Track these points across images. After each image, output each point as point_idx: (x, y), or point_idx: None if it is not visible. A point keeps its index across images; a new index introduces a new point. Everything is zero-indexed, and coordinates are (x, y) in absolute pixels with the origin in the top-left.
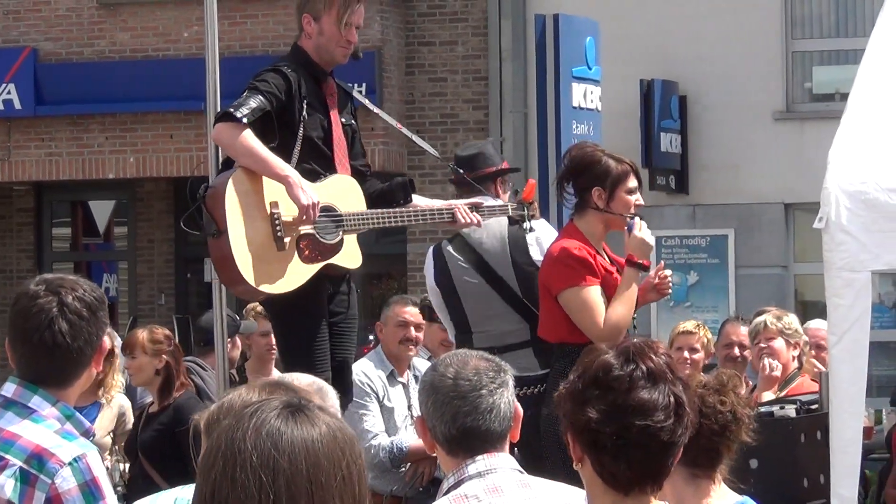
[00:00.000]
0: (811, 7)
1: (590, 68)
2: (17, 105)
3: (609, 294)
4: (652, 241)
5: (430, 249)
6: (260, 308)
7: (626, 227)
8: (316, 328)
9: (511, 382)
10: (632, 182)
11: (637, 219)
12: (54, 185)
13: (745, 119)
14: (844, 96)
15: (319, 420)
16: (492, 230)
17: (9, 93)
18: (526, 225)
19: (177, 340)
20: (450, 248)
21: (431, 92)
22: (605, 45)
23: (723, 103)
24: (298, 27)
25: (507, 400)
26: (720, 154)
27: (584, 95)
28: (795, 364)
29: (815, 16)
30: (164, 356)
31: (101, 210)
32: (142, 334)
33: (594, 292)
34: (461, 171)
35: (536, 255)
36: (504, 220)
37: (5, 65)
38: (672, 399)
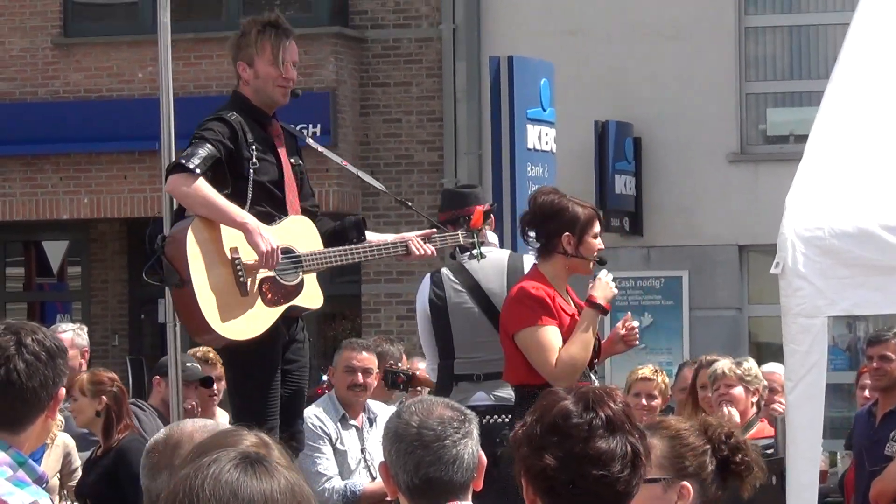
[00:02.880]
0: (765, 49)
1: (544, 110)
2: None
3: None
4: (615, 289)
5: (427, 278)
6: (202, 353)
7: (592, 274)
8: (271, 378)
9: (475, 432)
10: (597, 227)
11: (604, 269)
12: (8, 226)
13: (700, 161)
14: (799, 138)
15: (278, 473)
16: (491, 259)
17: None
18: (476, 251)
19: (130, 381)
20: (448, 272)
21: (386, 133)
22: (559, 87)
23: (677, 145)
24: (236, 76)
25: (470, 450)
26: (674, 196)
27: (538, 137)
28: (754, 409)
29: (768, 58)
30: (103, 397)
31: (55, 250)
32: (82, 376)
33: (549, 332)
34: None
35: None
36: (505, 253)
37: None
38: (629, 449)
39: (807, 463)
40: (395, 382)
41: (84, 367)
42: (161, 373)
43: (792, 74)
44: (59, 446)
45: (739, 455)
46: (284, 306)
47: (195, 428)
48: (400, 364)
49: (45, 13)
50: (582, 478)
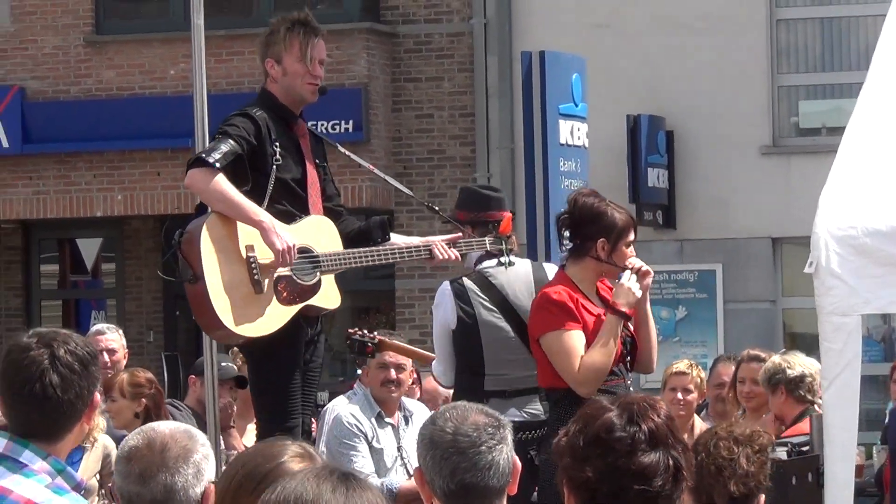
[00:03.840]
0: (797, 41)
1: (576, 105)
2: (5, 143)
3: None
4: (639, 292)
5: (446, 287)
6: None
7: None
8: (291, 375)
9: (510, 437)
10: (631, 235)
11: (627, 271)
12: (42, 223)
13: (732, 154)
14: (831, 130)
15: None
16: (517, 272)
17: None
18: (504, 259)
19: (165, 377)
20: (474, 286)
21: (418, 128)
22: (591, 81)
23: (709, 138)
24: (263, 73)
25: (505, 456)
26: (707, 189)
27: (570, 132)
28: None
29: (800, 50)
30: (143, 399)
31: (89, 247)
32: (122, 377)
33: (572, 336)
34: (436, 209)
35: None
36: (527, 263)
37: None
38: (671, 463)
39: (842, 461)
40: (363, 351)
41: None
42: (197, 372)
43: (824, 66)
44: (99, 447)
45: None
46: (300, 305)
47: (172, 430)
48: (365, 331)
49: (77, 11)
50: (623, 491)
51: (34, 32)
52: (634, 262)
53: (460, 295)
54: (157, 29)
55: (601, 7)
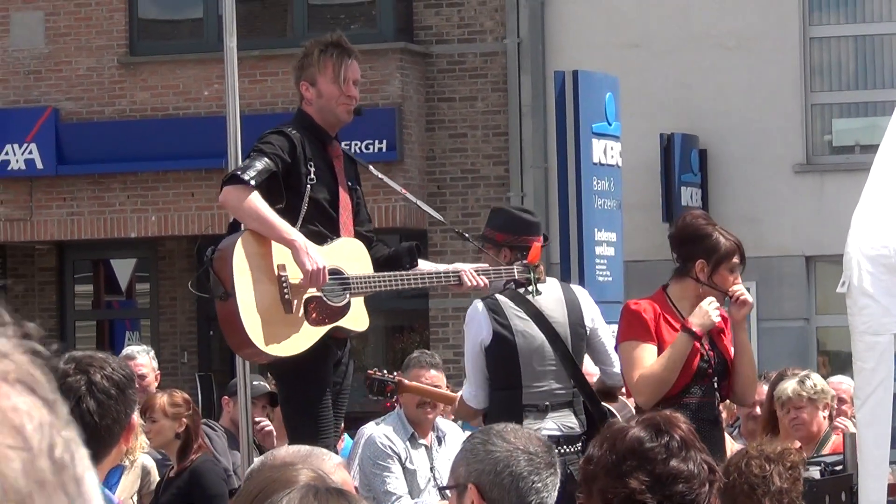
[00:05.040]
0: (830, 59)
1: (609, 124)
2: (39, 164)
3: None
4: (717, 318)
5: (478, 304)
6: None
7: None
8: (321, 395)
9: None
10: (735, 260)
11: (709, 298)
12: (76, 244)
13: (766, 172)
14: (864, 148)
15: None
16: (549, 290)
17: (30, 152)
18: (532, 288)
19: (199, 398)
20: (507, 301)
21: (452, 148)
22: (624, 100)
23: (743, 156)
24: (299, 97)
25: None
26: (741, 207)
27: (604, 151)
28: (826, 424)
29: (833, 68)
30: (183, 419)
31: (123, 268)
32: (161, 398)
33: (641, 349)
34: (464, 234)
35: (588, 318)
36: (558, 284)
37: (27, 125)
38: (706, 466)
39: (875, 480)
40: (383, 391)
41: (154, 388)
42: (230, 393)
43: (857, 84)
44: (138, 467)
45: None
46: (329, 326)
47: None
48: (385, 371)
49: (111, 32)
50: (669, 498)
51: (68, 54)
52: (737, 289)
53: (494, 309)
54: (190, 50)
55: (633, 26)
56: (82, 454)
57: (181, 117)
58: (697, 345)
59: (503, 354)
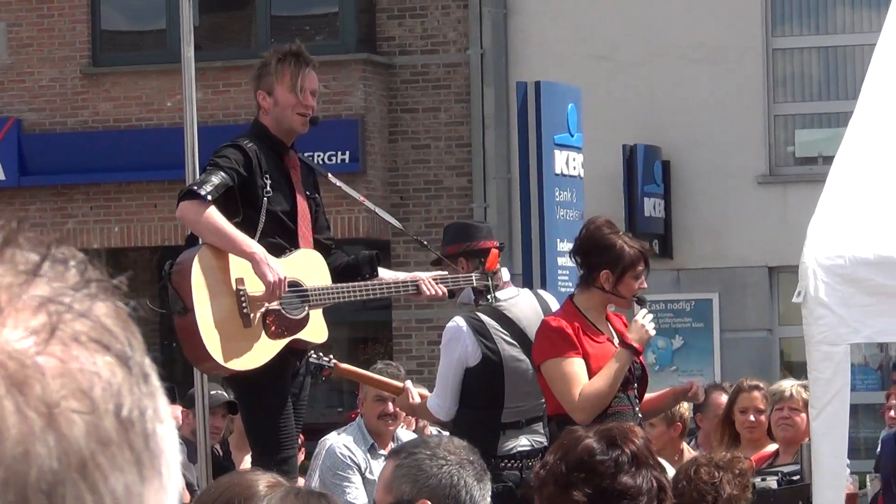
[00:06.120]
0: (793, 70)
1: (571, 135)
2: (1, 175)
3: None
4: (653, 331)
5: (461, 323)
6: None
7: (631, 309)
8: (282, 406)
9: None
10: (640, 267)
11: (644, 311)
12: None
13: (729, 183)
14: (827, 159)
15: None
16: (527, 302)
17: None
18: (490, 295)
19: None
20: (492, 322)
21: (415, 159)
22: (587, 111)
23: (706, 168)
24: (256, 106)
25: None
26: (704, 218)
27: (566, 162)
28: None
29: (797, 79)
30: None
31: None
32: None
33: (572, 364)
34: (425, 243)
35: None
36: (530, 294)
37: None
38: (654, 483)
39: (831, 491)
40: (319, 373)
41: None
42: (187, 404)
43: (820, 95)
44: None
45: None
46: (287, 339)
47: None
48: (321, 354)
49: (73, 43)
50: None
51: (31, 64)
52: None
53: (481, 332)
54: (153, 61)
55: (598, 38)
56: (156, 407)
57: (144, 128)
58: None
59: (488, 377)
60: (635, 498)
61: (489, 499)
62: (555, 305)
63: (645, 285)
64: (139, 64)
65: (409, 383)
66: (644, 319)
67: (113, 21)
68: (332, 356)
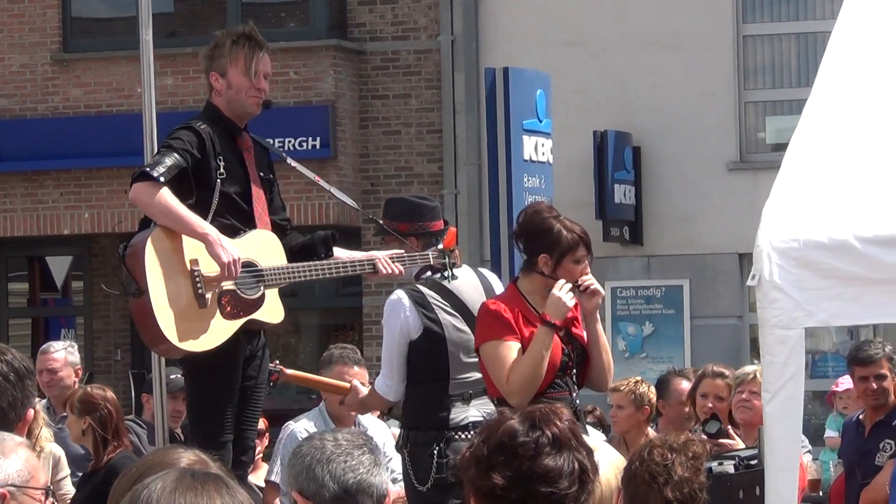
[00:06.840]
0: (764, 57)
1: (540, 121)
2: None
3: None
4: (570, 303)
5: (402, 295)
6: None
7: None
8: (229, 392)
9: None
10: (580, 251)
11: (561, 281)
12: (9, 241)
13: (699, 169)
14: None
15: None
16: (467, 278)
17: None
18: (447, 273)
19: (133, 395)
20: (432, 293)
21: (385, 145)
22: (557, 97)
23: (676, 154)
24: (208, 87)
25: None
26: (674, 205)
27: (535, 148)
28: None
29: (767, 66)
30: (87, 417)
31: (59, 265)
32: (77, 393)
33: (506, 348)
34: (379, 221)
35: None
36: (472, 271)
37: None
38: (577, 466)
39: (785, 475)
40: (268, 379)
41: (76, 385)
42: (148, 390)
43: (791, 82)
44: (49, 456)
45: None
46: (243, 319)
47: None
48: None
49: (44, 29)
50: (531, 496)
51: (1, 50)
52: (585, 279)
53: (421, 303)
54: (123, 47)
55: (568, 24)
56: None
57: (114, 114)
58: (558, 338)
59: (432, 349)
60: (556, 480)
61: (384, 472)
62: (496, 283)
63: (588, 270)
64: (110, 50)
65: (355, 381)
66: (560, 292)
67: (83, 7)
68: (277, 362)
